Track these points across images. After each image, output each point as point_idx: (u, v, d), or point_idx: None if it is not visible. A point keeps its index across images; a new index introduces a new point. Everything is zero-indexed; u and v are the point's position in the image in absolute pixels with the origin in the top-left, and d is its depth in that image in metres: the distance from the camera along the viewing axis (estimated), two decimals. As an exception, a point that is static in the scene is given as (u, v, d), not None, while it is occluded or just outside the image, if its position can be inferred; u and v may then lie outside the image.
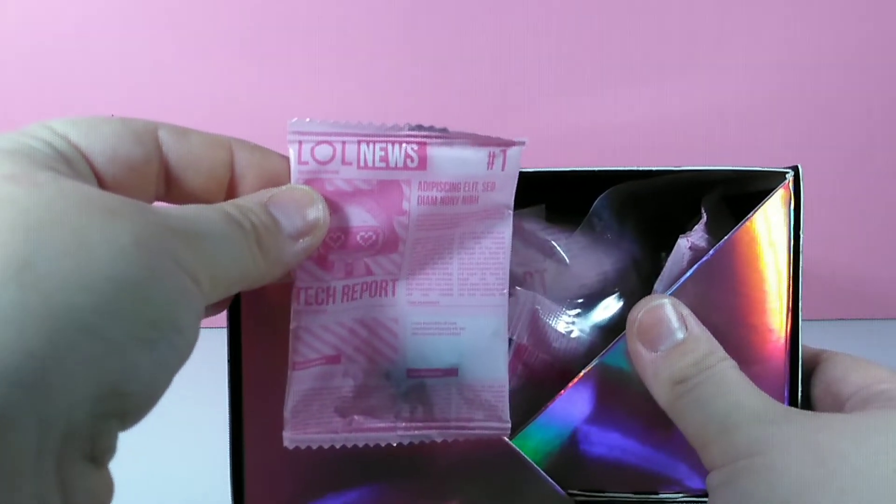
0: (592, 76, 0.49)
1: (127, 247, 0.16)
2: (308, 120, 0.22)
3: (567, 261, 0.30)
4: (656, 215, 0.33)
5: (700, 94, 0.49)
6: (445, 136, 0.23)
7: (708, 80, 0.49)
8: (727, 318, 0.28)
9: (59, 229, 0.15)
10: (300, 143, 0.22)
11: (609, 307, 0.31)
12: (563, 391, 0.28)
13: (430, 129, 0.23)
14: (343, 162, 0.23)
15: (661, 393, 0.26)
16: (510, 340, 0.30)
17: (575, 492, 0.29)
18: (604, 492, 0.29)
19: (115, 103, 0.49)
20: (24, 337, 0.14)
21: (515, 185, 0.25)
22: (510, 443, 0.28)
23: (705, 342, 0.26)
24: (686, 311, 0.27)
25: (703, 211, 0.29)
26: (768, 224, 0.28)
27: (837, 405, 0.26)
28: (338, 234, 0.23)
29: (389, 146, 0.23)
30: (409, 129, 0.23)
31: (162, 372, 0.17)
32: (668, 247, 0.31)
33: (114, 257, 0.15)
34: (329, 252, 0.23)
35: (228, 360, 0.28)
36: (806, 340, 0.29)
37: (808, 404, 0.29)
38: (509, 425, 0.27)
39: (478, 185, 0.24)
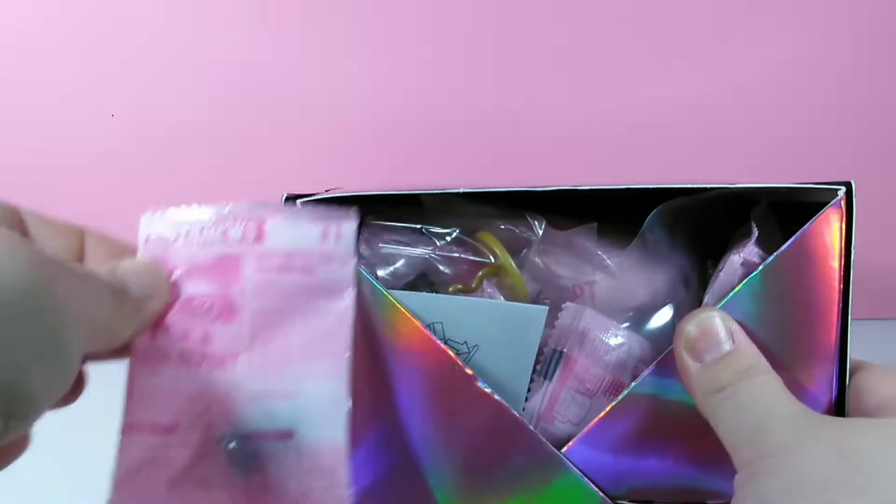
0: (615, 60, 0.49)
1: (23, 267, 0.18)
2: (158, 213, 0.26)
3: (617, 275, 0.31)
4: (703, 226, 0.33)
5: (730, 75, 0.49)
6: (285, 210, 0.26)
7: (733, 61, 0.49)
8: (776, 333, 0.28)
9: None
10: (148, 234, 0.26)
11: (660, 320, 0.31)
12: (614, 403, 0.29)
13: (274, 205, 0.26)
14: (185, 242, 0.26)
15: (702, 401, 0.26)
16: (561, 353, 0.30)
17: (623, 503, 0.29)
18: (651, 503, 0.30)
19: (114, 85, 0.52)
20: None
21: (354, 263, 0.27)
22: (559, 453, 0.29)
23: (751, 356, 0.26)
24: (735, 326, 0.27)
25: (753, 226, 0.29)
26: (819, 240, 0.28)
27: (866, 415, 0.27)
28: (175, 300, 0.25)
29: (230, 226, 0.26)
30: (250, 208, 0.26)
31: (45, 386, 0.18)
32: (714, 257, 0.31)
33: (11, 271, 0.18)
34: (167, 316, 0.25)
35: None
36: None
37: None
38: (349, 493, 0.26)
39: (313, 257, 0.26)
